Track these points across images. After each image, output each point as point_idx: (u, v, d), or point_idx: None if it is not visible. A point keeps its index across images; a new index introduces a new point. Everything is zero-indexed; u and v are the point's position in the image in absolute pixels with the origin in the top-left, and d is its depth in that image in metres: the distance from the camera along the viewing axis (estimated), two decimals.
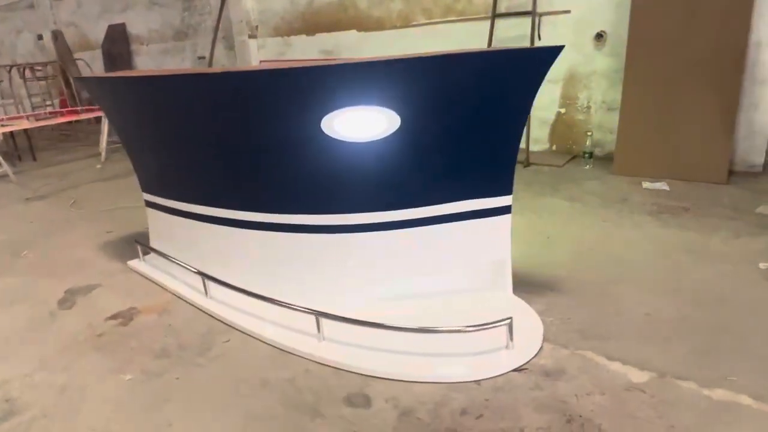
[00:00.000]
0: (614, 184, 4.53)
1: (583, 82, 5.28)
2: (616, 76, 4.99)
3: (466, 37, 5.78)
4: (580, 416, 1.90)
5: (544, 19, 5.24)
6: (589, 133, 5.14)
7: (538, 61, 2.15)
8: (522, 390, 2.06)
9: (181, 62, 8.90)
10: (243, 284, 2.73)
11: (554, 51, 2.11)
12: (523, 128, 2.38)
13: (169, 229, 3.25)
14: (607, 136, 5.24)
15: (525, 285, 2.77)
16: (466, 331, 2.22)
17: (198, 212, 2.94)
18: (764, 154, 4.54)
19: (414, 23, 6.14)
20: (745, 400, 1.93)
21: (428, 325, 2.31)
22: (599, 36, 5.04)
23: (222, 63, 8.30)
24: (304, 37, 7.16)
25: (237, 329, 2.63)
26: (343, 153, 2.36)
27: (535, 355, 2.25)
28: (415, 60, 2.15)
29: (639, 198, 4.14)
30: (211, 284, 2.87)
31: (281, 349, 2.44)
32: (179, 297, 3.01)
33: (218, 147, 2.63)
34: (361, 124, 2.30)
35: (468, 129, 2.33)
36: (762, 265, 2.91)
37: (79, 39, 10.47)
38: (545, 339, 2.36)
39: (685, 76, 4.38)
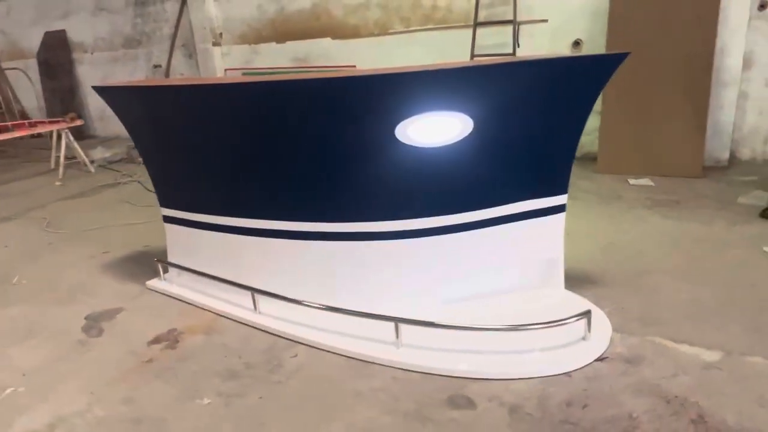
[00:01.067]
0: (603, 182, 4.83)
1: None
2: None
3: (446, 45, 5.94)
4: (676, 397, 2.03)
5: (522, 28, 5.50)
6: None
7: (602, 67, 2.29)
8: (612, 378, 2.17)
9: (133, 71, 8.43)
10: (299, 296, 2.67)
11: (619, 57, 2.25)
12: (582, 130, 2.51)
13: (200, 245, 3.08)
14: (584, 137, 5.56)
15: (566, 280, 2.90)
16: (551, 327, 2.30)
17: (245, 226, 2.82)
18: (728, 150, 5.02)
19: (392, 31, 6.22)
20: None
21: (497, 324, 2.37)
22: (576, 44, 5.37)
23: (181, 72, 7.96)
24: (273, 44, 7.03)
25: (301, 343, 2.56)
26: (415, 159, 2.38)
27: (610, 345, 2.37)
28: (490, 66, 2.22)
29: (631, 194, 4.44)
30: (259, 299, 2.78)
31: (358, 359, 2.41)
32: (222, 315, 2.88)
33: (278, 157, 2.55)
34: (436, 130, 2.34)
35: (532, 131, 2.42)
36: (766, 249, 3.24)
37: (9, 47, 9.63)
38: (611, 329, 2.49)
39: (661, 80, 4.76)
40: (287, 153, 2.54)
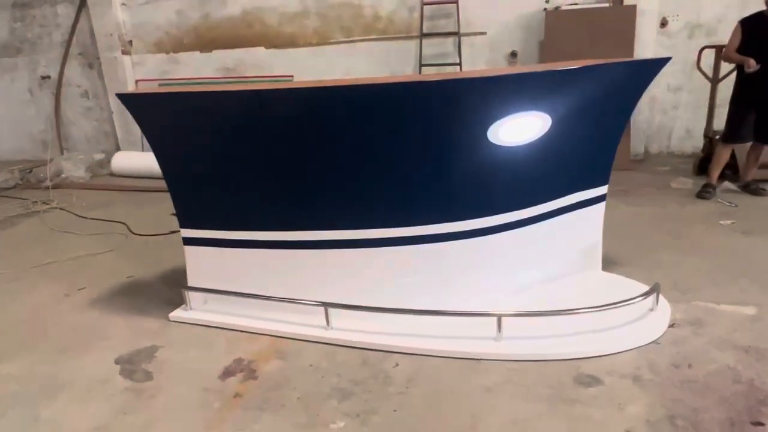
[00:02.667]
0: None
1: None
2: None
3: (389, 55, 6.09)
4: (750, 346, 2.39)
5: (463, 39, 5.86)
6: None
7: (650, 69, 2.62)
8: (691, 339, 2.47)
9: (11, 82, 7.23)
10: (372, 305, 2.60)
11: (663, 61, 2.59)
12: (625, 126, 2.82)
13: (243, 265, 2.81)
14: None
15: None
16: (634, 303, 2.54)
17: (309, 239, 2.66)
18: (644, 145, 5.88)
19: (333, 41, 6.20)
20: None
21: (570, 307, 2.56)
22: (514, 54, 5.87)
23: (79, 83, 7.04)
24: (197, 54, 6.56)
25: (393, 351, 2.49)
26: (501, 158, 2.48)
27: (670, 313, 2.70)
28: (572, 68, 2.41)
29: None
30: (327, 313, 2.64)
31: (460, 358, 2.42)
32: (286, 337, 2.67)
33: (357, 164, 2.45)
34: (522, 129, 2.46)
35: (592, 128, 2.67)
36: (722, 222, 3.90)
37: None
38: None
39: None
40: (368, 159, 2.47)
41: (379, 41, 6.09)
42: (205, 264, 2.92)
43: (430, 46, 5.96)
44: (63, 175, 6.18)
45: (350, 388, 2.28)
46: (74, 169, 6.23)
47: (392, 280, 2.69)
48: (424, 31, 5.91)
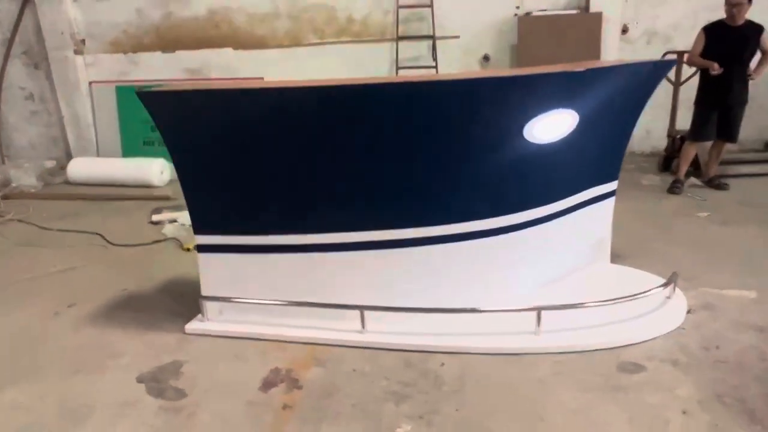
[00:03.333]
0: None
1: None
2: None
3: (363, 58, 6.06)
4: (758, 325, 2.58)
5: (438, 42, 5.94)
6: None
7: (661, 69, 2.76)
8: (710, 323, 2.62)
9: None
10: (404, 304, 2.58)
11: (671, 63, 2.76)
12: (635, 123, 2.95)
13: (260, 272, 2.69)
14: None
15: None
16: (655, 292, 2.67)
17: (335, 242, 2.58)
18: None
19: (305, 43, 6.09)
20: None
21: (592, 299, 2.65)
22: (486, 58, 6.02)
23: (23, 85, 6.49)
24: (158, 54, 6.22)
25: (435, 351, 2.47)
26: (533, 155, 2.53)
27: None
28: (600, 67, 2.51)
29: None
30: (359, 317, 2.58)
31: (506, 354, 2.44)
32: (318, 343, 2.58)
33: (398, 164, 2.41)
34: (553, 127, 2.52)
35: (610, 126, 2.79)
36: (700, 215, 4.18)
37: None
38: None
39: None
40: (406, 159, 2.44)
41: (353, 44, 6.06)
42: (221, 272, 2.76)
43: (404, 49, 5.98)
44: (13, 185, 5.66)
45: (403, 390, 2.24)
46: (24, 177, 5.72)
47: (425, 280, 2.66)
48: (399, 34, 5.94)
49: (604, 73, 2.54)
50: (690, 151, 4.74)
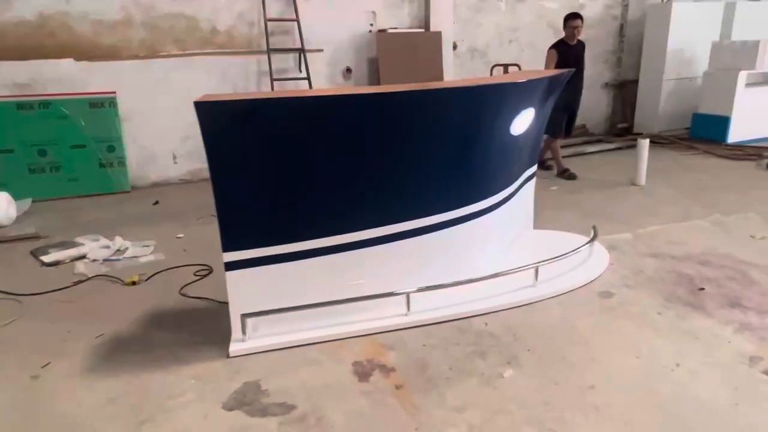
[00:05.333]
0: None
1: None
2: None
3: (229, 70, 5.93)
4: (651, 253, 3.70)
5: (307, 55, 6.17)
6: None
7: (563, 77, 3.67)
8: (623, 258, 3.63)
9: None
10: (433, 282, 2.96)
11: (570, 72, 3.70)
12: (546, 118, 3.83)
13: (293, 279, 2.71)
14: None
15: None
16: (592, 242, 3.57)
17: (377, 235, 2.79)
18: None
19: (164, 54, 5.64)
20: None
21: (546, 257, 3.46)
22: (349, 70, 6.49)
23: None
24: None
25: (470, 316, 2.89)
26: (511, 146, 3.16)
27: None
28: (549, 75, 3.26)
29: None
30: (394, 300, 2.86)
31: (522, 305, 3.01)
32: (372, 333, 2.75)
33: (431, 160, 2.76)
34: (524, 122, 3.19)
35: (540, 120, 3.59)
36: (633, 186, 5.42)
37: None
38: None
39: None
40: (429, 156, 2.81)
41: (219, 56, 5.87)
42: (253, 286, 2.70)
43: (266, 62, 6.05)
44: None
45: (477, 348, 2.63)
46: None
47: (437, 261, 3.07)
48: (264, 47, 5.99)
49: (542, 80, 3.32)
50: (554, 145, 6.00)
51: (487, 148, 3.06)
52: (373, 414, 2.19)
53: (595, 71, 7.87)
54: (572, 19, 5.57)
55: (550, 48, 5.64)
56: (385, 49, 6.33)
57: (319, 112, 2.48)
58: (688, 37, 7.56)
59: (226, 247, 2.61)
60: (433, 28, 6.64)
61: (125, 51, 5.52)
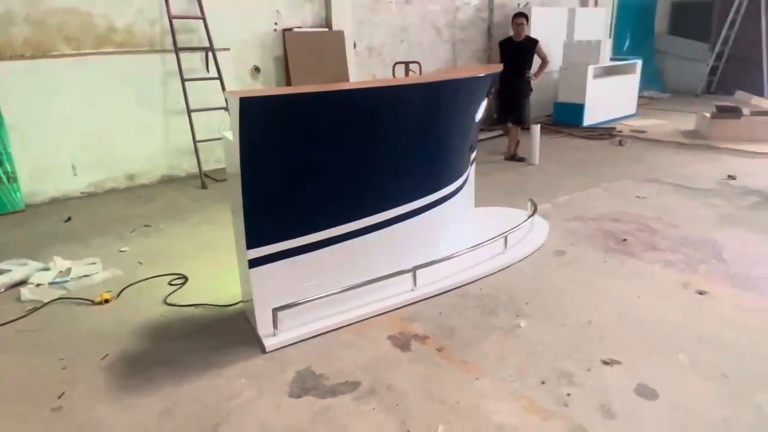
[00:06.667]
0: None
1: None
2: None
3: (130, 70, 5.50)
4: (582, 216, 4.41)
5: (210, 54, 5.94)
6: None
7: (493, 77, 4.19)
8: (562, 224, 4.29)
9: None
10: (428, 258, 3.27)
11: (499, 70, 4.23)
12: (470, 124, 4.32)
13: (314, 268, 2.81)
14: None
15: None
16: (534, 215, 4.15)
17: (383, 219, 3.00)
18: None
19: (55, 53, 5.02)
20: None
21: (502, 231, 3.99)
22: (257, 69, 6.39)
23: None
24: None
25: (463, 285, 3.25)
26: (468, 133, 3.58)
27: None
28: (489, 72, 3.72)
29: None
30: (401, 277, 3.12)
31: (503, 269, 3.44)
32: (390, 310, 2.97)
33: (427, 147, 3.04)
34: (482, 109, 3.62)
35: (479, 111, 4.06)
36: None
37: None
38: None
39: None
40: (433, 142, 3.11)
41: (119, 55, 5.38)
42: (277, 280, 2.74)
43: (171, 61, 5.72)
44: None
45: (485, 309, 3.00)
46: None
47: (422, 241, 3.38)
48: (167, 46, 5.64)
49: (491, 75, 3.79)
50: (505, 128, 6.58)
51: (460, 135, 3.44)
52: (433, 374, 2.43)
53: None
54: (516, 17, 6.28)
55: (498, 44, 6.41)
56: (293, 48, 6.37)
57: (352, 103, 2.64)
58: (545, 37, 8.78)
59: (251, 245, 2.62)
60: (335, 27, 6.83)
61: (7, 50, 4.81)
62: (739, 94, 8.10)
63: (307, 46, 6.48)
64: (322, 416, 2.18)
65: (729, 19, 11.32)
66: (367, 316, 2.92)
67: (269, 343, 2.66)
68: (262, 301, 2.71)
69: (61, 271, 3.58)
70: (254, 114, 2.32)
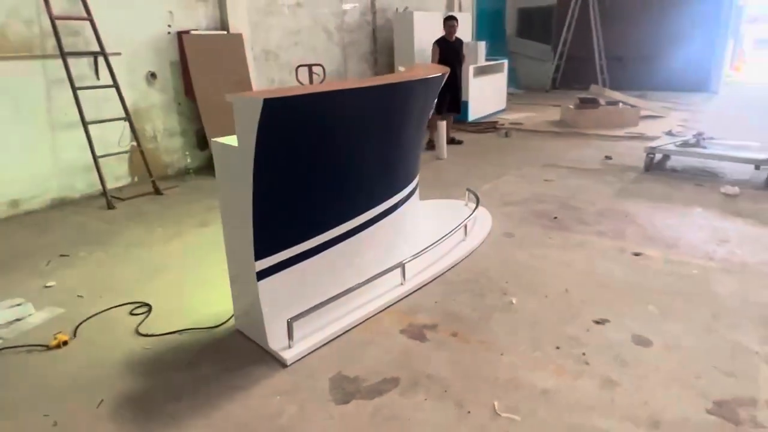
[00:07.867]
0: None
1: (146, 116, 5.89)
2: (170, 107, 6.10)
3: (4, 78, 4.67)
4: (519, 198, 4.81)
5: (99, 59, 5.30)
6: (186, 153, 6.04)
7: (441, 79, 4.39)
8: (493, 207, 4.64)
9: None
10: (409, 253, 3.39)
11: (445, 74, 4.45)
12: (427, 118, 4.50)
13: (317, 272, 2.75)
14: (173, 156, 6.24)
15: None
16: (479, 207, 4.44)
17: (374, 215, 3.03)
18: None
19: None
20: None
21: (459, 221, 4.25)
22: (153, 75, 5.84)
23: None
24: None
25: (443, 273, 3.41)
26: (421, 131, 3.75)
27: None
28: (440, 74, 3.92)
29: None
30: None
31: (470, 254, 3.66)
32: (389, 305, 3.00)
33: (400, 144, 3.12)
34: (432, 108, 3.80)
35: (423, 113, 4.25)
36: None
37: None
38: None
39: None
40: (406, 137, 3.19)
41: None
42: (285, 288, 2.64)
43: (55, 68, 5.00)
44: None
45: (473, 291, 3.19)
46: None
47: (404, 236, 3.48)
48: (50, 51, 4.91)
49: (441, 76, 3.99)
50: (438, 121, 6.68)
51: (417, 134, 3.58)
52: (461, 358, 2.55)
53: (358, 69, 8.98)
54: (448, 20, 6.96)
55: (434, 43, 6.85)
56: (192, 51, 5.96)
57: (372, 100, 2.67)
58: (427, 40, 9.33)
59: (259, 255, 2.49)
60: (232, 30, 6.53)
61: None
62: (594, 88, 9.41)
63: (205, 49, 6.11)
64: (379, 416, 2.17)
65: (566, 23, 13.06)
66: (370, 315, 2.94)
67: (288, 355, 2.54)
68: (272, 313, 2.58)
69: None
70: (275, 116, 2.21)
